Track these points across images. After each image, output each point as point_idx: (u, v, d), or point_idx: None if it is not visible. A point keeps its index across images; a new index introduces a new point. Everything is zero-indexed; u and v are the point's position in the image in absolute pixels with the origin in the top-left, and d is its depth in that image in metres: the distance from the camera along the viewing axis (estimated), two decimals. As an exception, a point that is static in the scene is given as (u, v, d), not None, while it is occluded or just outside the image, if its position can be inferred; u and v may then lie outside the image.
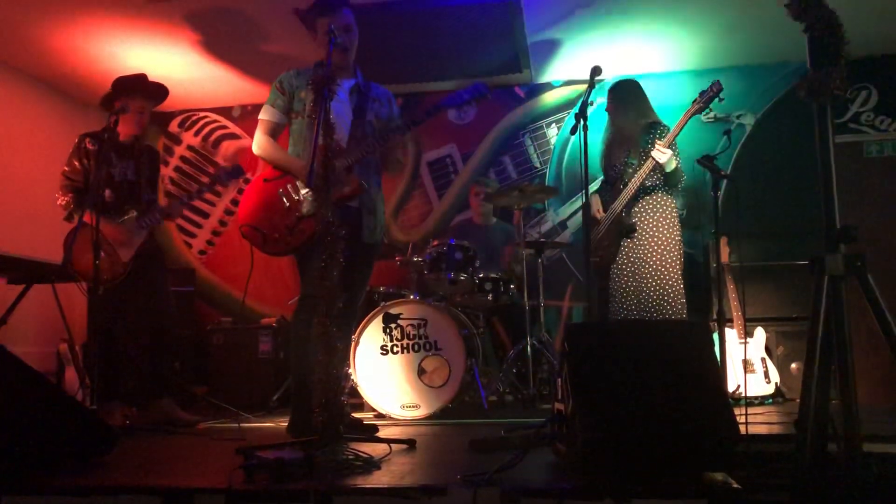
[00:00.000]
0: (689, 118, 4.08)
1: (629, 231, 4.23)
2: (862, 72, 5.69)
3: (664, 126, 4.27)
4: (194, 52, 5.49)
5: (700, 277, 5.38)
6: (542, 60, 5.84)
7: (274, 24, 5.10)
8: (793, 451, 1.95)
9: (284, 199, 3.34)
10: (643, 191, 4.24)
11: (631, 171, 4.26)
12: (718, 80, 4.04)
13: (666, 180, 4.23)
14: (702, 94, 4.06)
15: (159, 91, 4.37)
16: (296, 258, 3.45)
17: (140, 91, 4.24)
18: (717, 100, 4.04)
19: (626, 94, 4.44)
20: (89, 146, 4.09)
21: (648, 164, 4.15)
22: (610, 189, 4.45)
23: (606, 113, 4.51)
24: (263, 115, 3.49)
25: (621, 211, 4.26)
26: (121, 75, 4.30)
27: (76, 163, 4.10)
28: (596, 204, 4.47)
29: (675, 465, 2.11)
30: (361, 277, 3.50)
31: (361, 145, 3.33)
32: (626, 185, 4.26)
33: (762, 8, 4.84)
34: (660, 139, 4.13)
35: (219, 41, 5.36)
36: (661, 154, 4.08)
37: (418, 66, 5.94)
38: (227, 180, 4.32)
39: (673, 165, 4.12)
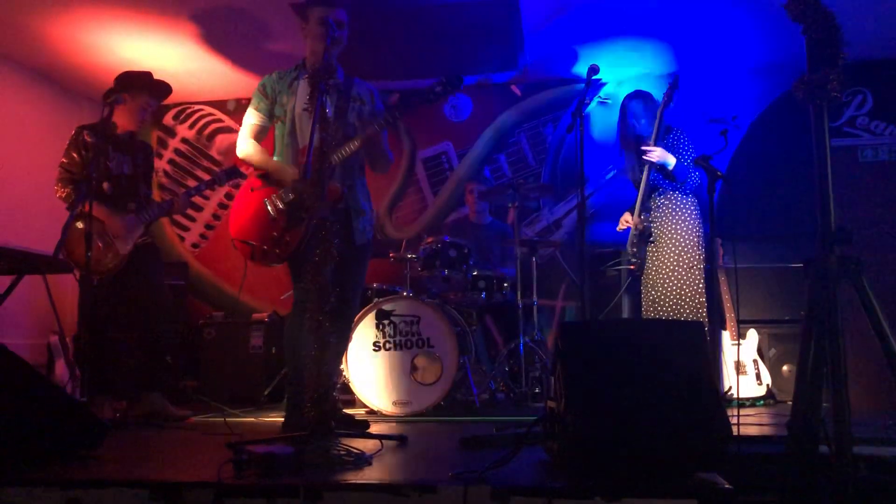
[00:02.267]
0: (660, 116, 4.22)
1: (646, 236, 4.33)
2: (857, 76, 5.70)
3: (678, 131, 4.37)
4: (191, 44, 5.46)
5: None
6: (538, 59, 5.83)
7: (272, 18, 5.08)
8: (784, 452, 1.95)
9: (270, 210, 3.27)
10: (655, 192, 4.34)
11: (640, 177, 4.35)
12: (676, 73, 4.17)
13: (671, 179, 4.27)
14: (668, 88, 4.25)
15: (163, 89, 4.33)
16: (288, 261, 3.37)
17: (145, 88, 4.21)
18: (675, 90, 4.23)
19: (637, 107, 4.46)
20: (87, 138, 4.06)
21: (647, 168, 4.25)
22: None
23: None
24: (248, 118, 3.41)
25: (638, 216, 4.34)
26: (126, 70, 4.26)
27: (74, 154, 4.07)
28: (623, 218, 4.52)
29: (667, 464, 2.11)
30: (356, 278, 3.44)
31: (340, 143, 3.23)
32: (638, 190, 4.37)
33: (760, 10, 4.84)
34: (684, 141, 4.25)
35: (216, 34, 5.34)
36: (650, 155, 4.17)
37: (414, 63, 5.93)
38: (225, 180, 4.35)
39: (671, 162, 4.15)
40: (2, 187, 5.55)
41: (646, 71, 5.98)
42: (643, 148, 4.20)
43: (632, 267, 4.48)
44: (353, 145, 3.23)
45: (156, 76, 4.32)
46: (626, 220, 4.47)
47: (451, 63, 5.93)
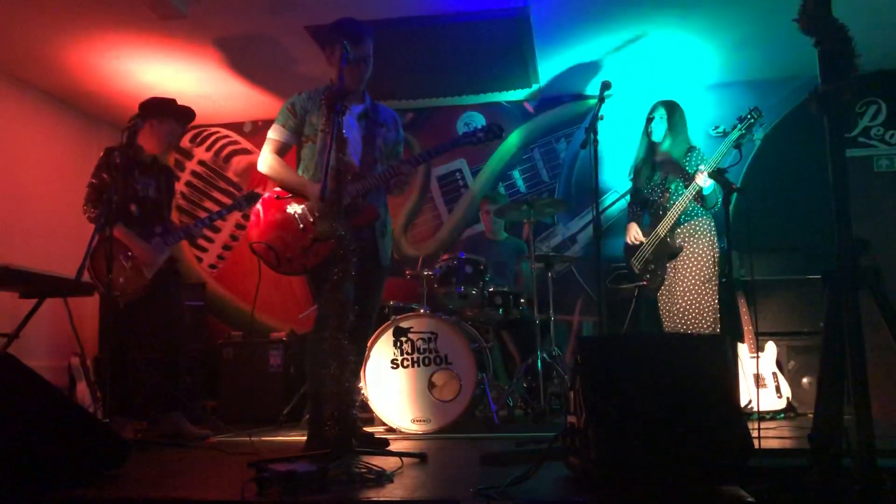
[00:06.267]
0: (732, 146, 4.08)
1: (675, 253, 4.28)
2: (871, 86, 5.69)
3: (699, 150, 4.36)
4: (207, 68, 5.53)
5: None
6: (551, 75, 5.87)
7: (289, 41, 5.15)
8: (807, 465, 1.94)
9: (299, 221, 3.32)
10: (684, 215, 4.28)
11: (673, 196, 4.29)
12: (757, 107, 4.08)
13: (702, 202, 4.26)
14: (741, 119, 4.08)
15: (189, 115, 4.38)
16: (309, 277, 3.41)
17: (171, 114, 4.26)
18: (759, 125, 4.10)
19: (680, 119, 4.42)
20: (117, 160, 4.09)
21: (692, 190, 4.17)
22: (640, 211, 4.51)
23: (652, 131, 4.44)
24: (272, 135, 3.45)
25: (665, 235, 4.30)
26: (151, 96, 4.31)
27: (104, 175, 4.09)
28: (633, 231, 4.50)
29: (689, 478, 2.11)
30: (374, 297, 3.50)
31: (374, 176, 3.33)
32: (666, 209, 4.30)
33: (772, 23, 4.85)
34: (703, 164, 4.16)
35: (232, 58, 5.41)
36: (707, 181, 4.10)
37: (428, 82, 5.98)
38: (244, 206, 4.38)
39: (711, 188, 4.14)
40: (23, 211, 5.63)
41: (659, 86, 6.00)
42: (704, 173, 4.08)
43: (644, 283, 4.45)
44: (386, 179, 3.34)
45: (189, 107, 4.38)
46: (637, 237, 4.46)
47: (465, 82, 5.98)
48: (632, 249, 4.52)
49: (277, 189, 3.43)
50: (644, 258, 4.42)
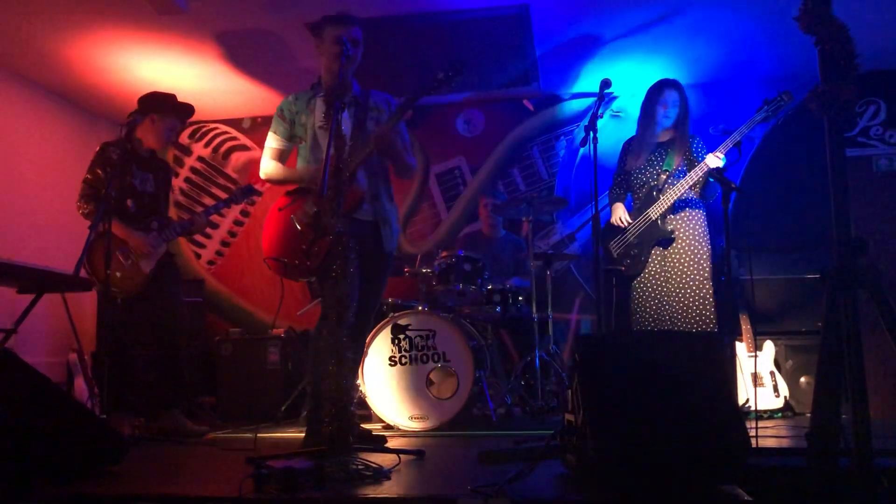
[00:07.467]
0: (753, 126, 4.00)
1: (666, 239, 4.15)
2: (870, 86, 5.69)
3: (699, 139, 4.29)
4: (206, 64, 5.52)
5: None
6: (550, 73, 5.86)
7: (288, 37, 5.13)
8: (804, 464, 1.94)
9: (297, 224, 3.34)
10: (679, 202, 4.16)
11: (670, 179, 4.17)
12: (788, 90, 3.97)
13: (701, 192, 4.18)
14: (768, 101, 3.98)
15: (189, 111, 4.40)
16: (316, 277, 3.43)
17: (173, 110, 4.28)
18: (783, 106, 3.96)
19: (686, 101, 4.30)
20: (112, 155, 4.09)
21: (698, 172, 4.04)
22: (623, 193, 4.43)
23: (659, 110, 4.28)
24: (269, 143, 3.54)
25: (657, 219, 4.17)
26: (153, 91, 4.32)
27: (99, 171, 4.09)
28: (620, 211, 4.35)
29: (686, 477, 2.11)
30: (377, 289, 3.52)
31: (358, 151, 3.31)
32: (660, 191, 4.17)
33: (772, 22, 4.85)
34: (705, 148, 4.09)
35: (231, 54, 5.40)
36: (716, 160, 3.97)
37: (427, 79, 5.96)
38: (241, 199, 4.43)
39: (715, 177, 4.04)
40: (21, 206, 5.62)
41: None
42: (716, 154, 3.96)
43: (622, 268, 4.29)
44: (368, 148, 3.28)
45: (189, 104, 4.39)
46: (625, 218, 4.31)
47: (464, 80, 5.96)
48: (611, 232, 4.36)
49: (280, 198, 3.46)
50: (626, 242, 4.27)
